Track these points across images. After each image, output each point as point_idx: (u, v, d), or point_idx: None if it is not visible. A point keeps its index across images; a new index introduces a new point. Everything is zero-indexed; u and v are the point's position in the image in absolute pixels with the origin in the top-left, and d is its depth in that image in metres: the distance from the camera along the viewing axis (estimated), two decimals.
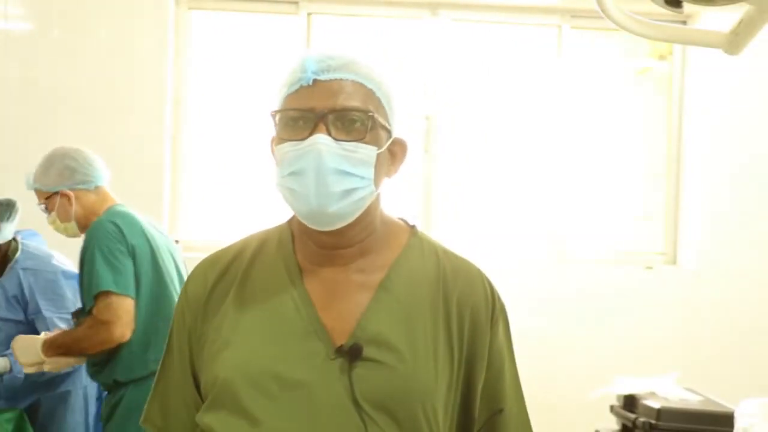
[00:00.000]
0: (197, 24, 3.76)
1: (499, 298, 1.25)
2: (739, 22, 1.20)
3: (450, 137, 3.78)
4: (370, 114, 1.14)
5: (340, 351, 1.13)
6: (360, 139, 1.13)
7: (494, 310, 1.22)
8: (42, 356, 2.37)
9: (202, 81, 3.76)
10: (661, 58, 3.93)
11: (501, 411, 1.22)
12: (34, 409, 2.67)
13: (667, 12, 1.21)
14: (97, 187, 2.45)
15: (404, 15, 3.79)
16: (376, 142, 1.15)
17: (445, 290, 1.20)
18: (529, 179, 3.85)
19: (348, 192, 1.13)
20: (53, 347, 2.36)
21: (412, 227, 1.28)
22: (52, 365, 2.40)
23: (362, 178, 1.13)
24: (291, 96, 1.15)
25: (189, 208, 3.74)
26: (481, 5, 3.78)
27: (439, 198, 3.77)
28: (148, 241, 2.37)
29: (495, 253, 3.74)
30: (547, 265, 3.76)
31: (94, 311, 2.28)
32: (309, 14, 3.73)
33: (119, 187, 3.53)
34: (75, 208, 2.41)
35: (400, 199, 3.74)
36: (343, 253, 1.20)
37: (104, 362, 2.36)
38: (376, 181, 1.17)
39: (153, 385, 1.29)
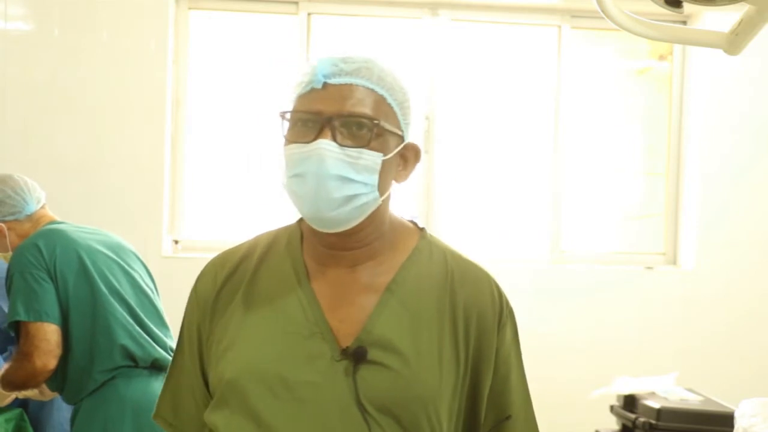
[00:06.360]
0: (197, 24, 3.75)
1: (507, 303, 1.24)
2: (739, 22, 1.20)
3: (450, 137, 3.78)
4: (376, 121, 1.13)
5: (345, 353, 1.13)
6: (365, 146, 1.13)
7: (501, 315, 1.22)
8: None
9: (202, 81, 3.75)
10: (661, 58, 3.93)
11: (508, 418, 1.22)
12: (22, 408, 2.67)
13: (667, 12, 1.21)
14: (28, 215, 2.41)
15: (404, 15, 3.79)
16: (382, 149, 1.15)
17: (452, 294, 1.20)
18: (529, 179, 3.85)
19: (349, 198, 1.13)
20: (3, 383, 2.35)
21: (422, 230, 1.28)
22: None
23: (365, 184, 1.13)
24: (301, 98, 1.15)
25: (189, 208, 3.74)
26: (481, 5, 3.78)
27: (439, 198, 3.77)
28: (78, 255, 2.31)
29: (495, 253, 3.74)
30: (547, 265, 3.76)
31: (19, 343, 2.26)
32: (309, 14, 3.73)
33: (119, 187, 3.55)
34: (10, 238, 2.38)
35: (399, 199, 3.72)
36: (350, 254, 1.20)
37: (60, 388, 2.37)
38: (382, 187, 1.17)
39: (165, 380, 1.31)
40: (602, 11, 1.21)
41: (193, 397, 1.25)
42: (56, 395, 2.48)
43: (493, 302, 1.22)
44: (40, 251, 2.27)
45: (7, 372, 2.32)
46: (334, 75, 1.13)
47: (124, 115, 3.56)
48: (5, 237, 2.38)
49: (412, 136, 1.22)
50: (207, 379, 1.23)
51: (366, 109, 1.13)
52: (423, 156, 3.68)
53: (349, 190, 1.12)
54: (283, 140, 1.17)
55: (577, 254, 3.83)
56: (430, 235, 1.28)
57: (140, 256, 2.56)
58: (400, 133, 1.18)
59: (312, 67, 1.15)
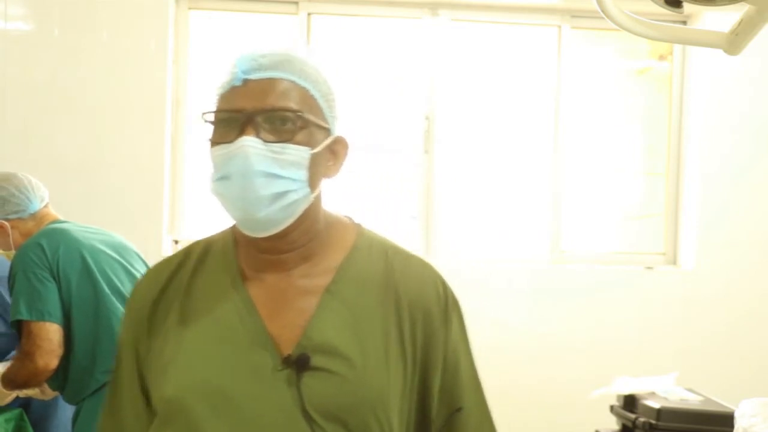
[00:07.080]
0: (197, 24, 3.75)
1: (452, 295, 1.20)
2: (739, 22, 1.20)
3: (450, 137, 3.78)
4: (300, 114, 1.09)
5: (287, 361, 1.09)
6: (289, 140, 1.09)
7: (447, 309, 1.18)
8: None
9: (202, 81, 3.75)
10: (661, 58, 3.93)
11: (459, 410, 1.18)
12: (25, 408, 2.68)
13: (667, 12, 1.21)
14: (32, 214, 2.42)
15: (404, 15, 3.79)
16: (309, 143, 1.11)
17: (396, 292, 1.16)
18: (529, 179, 3.85)
19: (278, 196, 1.08)
20: (5, 382, 2.36)
21: (358, 225, 1.23)
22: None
23: (294, 180, 1.09)
24: (222, 97, 1.13)
25: (189, 208, 3.74)
26: (481, 5, 3.78)
27: (439, 198, 3.77)
28: (81, 255, 2.32)
29: (495, 253, 3.74)
30: (547, 265, 3.76)
31: (21, 342, 2.26)
32: (309, 14, 3.73)
33: (119, 187, 3.55)
34: (13, 237, 2.39)
35: (399, 200, 3.74)
36: (285, 258, 1.15)
37: (61, 387, 2.37)
38: (312, 183, 1.12)
39: (105, 400, 1.25)
40: (602, 11, 1.21)
41: (135, 415, 1.19)
42: (57, 395, 2.48)
43: (438, 296, 1.18)
44: (43, 250, 2.28)
45: (8, 371, 2.32)
46: (253, 70, 1.10)
47: (124, 115, 3.56)
48: (8, 235, 2.39)
49: (340, 130, 1.17)
50: (149, 397, 1.17)
51: (288, 102, 1.09)
52: (423, 156, 3.71)
53: (277, 186, 1.08)
54: (209, 143, 1.13)
55: (577, 254, 3.83)
56: (369, 231, 1.23)
57: (142, 256, 2.57)
58: (326, 126, 1.14)
59: (232, 65, 1.12)
